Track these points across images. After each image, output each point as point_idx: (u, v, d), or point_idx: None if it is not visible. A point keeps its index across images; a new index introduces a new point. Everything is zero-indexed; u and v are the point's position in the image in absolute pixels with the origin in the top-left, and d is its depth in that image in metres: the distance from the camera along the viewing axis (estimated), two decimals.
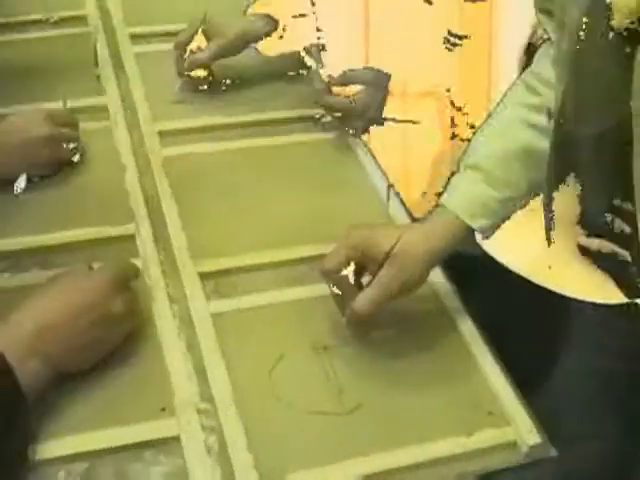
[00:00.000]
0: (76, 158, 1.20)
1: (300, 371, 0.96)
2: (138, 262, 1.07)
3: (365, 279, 0.97)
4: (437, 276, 1.06)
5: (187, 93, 1.37)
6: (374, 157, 1.30)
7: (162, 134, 1.29)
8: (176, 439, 0.88)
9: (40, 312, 0.87)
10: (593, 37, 0.71)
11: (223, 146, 1.28)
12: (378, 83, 1.26)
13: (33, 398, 0.84)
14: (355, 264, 0.97)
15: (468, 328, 1.02)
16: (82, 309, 0.88)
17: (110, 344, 0.92)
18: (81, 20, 1.53)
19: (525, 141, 0.98)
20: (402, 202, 1.19)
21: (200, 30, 1.34)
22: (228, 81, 1.40)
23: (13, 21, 1.50)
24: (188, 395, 0.92)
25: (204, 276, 1.06)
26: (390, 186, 1.15)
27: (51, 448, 0.86)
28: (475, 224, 0.99)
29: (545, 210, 0.94)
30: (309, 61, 1.44)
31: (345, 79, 1.28)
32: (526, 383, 1.05)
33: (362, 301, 0.94)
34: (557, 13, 0.83)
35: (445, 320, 1.03)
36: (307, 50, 1.45)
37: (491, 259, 1.17)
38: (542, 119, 0.95)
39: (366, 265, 0.97)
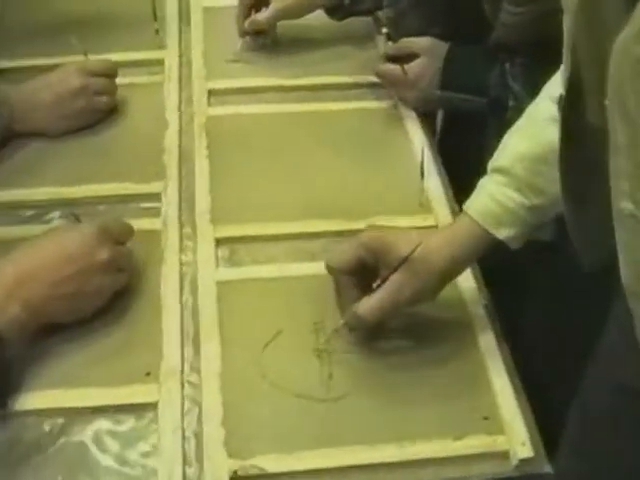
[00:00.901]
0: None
1: (294, 350, 0.93)
2: (158, 221, 1.06)
3: (375, 285, 0.90)
4: (467, 280, 0.99)
5: (248, 53, 1.34)
6: (430, 133, 1.24)
7: (212, 92, 1.27)
8: (154, 405, 0.87)
9: (23, 260, 0.88)
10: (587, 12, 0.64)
11: (271, 109, 1.25)
12: (434, 53, 1.20)
13: (13, 344, 0.85)
14: (366, 267, 0.91)
15: (488, 338, 0.96)
16: (64, 259, 0.88)
17: (94, 297, 0.92)
18: None
19: (554, 142, 0.88)
20: (445, 184, 1.13)
21: None
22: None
23: None
24: (175, 364, 0.91)
25: (220, 242, 1.04)
26: (423, 161, 1.08)
27: (35, 400, 0.87)
28: (500, 234, 0.90)
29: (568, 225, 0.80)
30: (379, 27, 1.39)
31: (401, 47, 1.22)
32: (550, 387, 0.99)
33: (366, 305, 0.88)
34: None
35: (464, 327, 0.97)
36: (376, 17, 1.40)
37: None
38: None
39: (378, 269, 0.91)
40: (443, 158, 1.21)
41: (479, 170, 0.96)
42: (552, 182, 0.86)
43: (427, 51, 1.20)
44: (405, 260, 0.88)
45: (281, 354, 0.92)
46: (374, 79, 1.27)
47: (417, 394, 0.90)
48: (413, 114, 1.24)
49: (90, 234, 0.91)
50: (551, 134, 0.87)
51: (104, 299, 0.93)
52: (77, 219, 0.95)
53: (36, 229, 1.04)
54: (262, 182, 1.13)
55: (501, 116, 1.14)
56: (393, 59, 1.23)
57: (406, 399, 0.89)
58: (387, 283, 0.88)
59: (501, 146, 0.94)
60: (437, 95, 1.20)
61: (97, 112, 1.20)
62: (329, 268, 0.93)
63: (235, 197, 1.10)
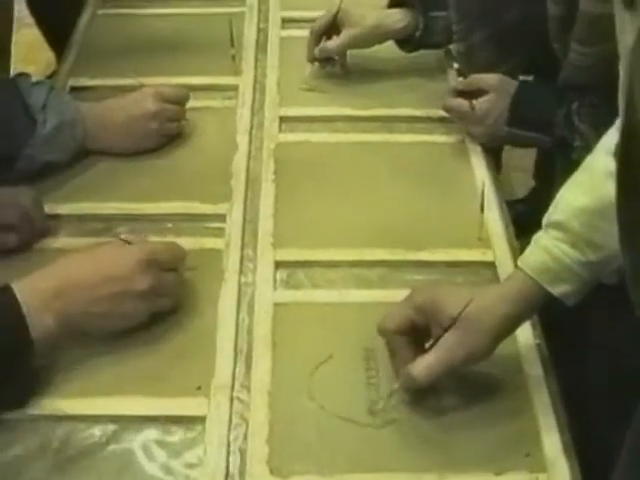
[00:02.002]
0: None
1: (343, 375, 0.94)
2: (221, 241, 1.09)
3: (428, 345, 0.90)
4: (525, 335, 0.98)
5: (318, 80, 1.37)
6: (494, 168, 1.25)
7: (283, 119, 1.30)
8: (203, 419, 0.89)
9: (65, 273, 0.91)
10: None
11: (340, 138, 1.27)
12: (503, 90, 1.20)
13: (42, 352, 0.88)
14: (418, 328, 0.90)
15: (534, 364, 0.95)
16: (105, 279, 0.91)
17: (130, 319, 0.94)
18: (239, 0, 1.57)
19: (612, 196, 0.87)
20: (505, 219, 1.14)
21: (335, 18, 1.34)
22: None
23: None
24: (226, 380, 0.93)
25: (279, 264, 1.06)
26: (483, 195, 1.08)
27: (88, 405, 0.90)
28: (555, 290, 0.88)
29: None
30: (450, 61, 1.40)
31: (470, 83, 1.24)
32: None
33: (420, 366, 0.87)
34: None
35: (511, 353, 0.96)
36: (447, 50, 1.42)
37: None
38: None
39: (430, 330, 0.90)
40: None
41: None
42: (609, 237, 0.85)
43: (496, 88, 1.21)
44: (455, 319, 0.87)
45: (330, 377, 0.93)
46: (443, 113, 1.28)
47: (459, 425, 0.89)
48: (479, 149, 1.25)
49: (135, 260, 0.93)
50: (608, 188, 0.86)
51: (137, 323, 0.95)
52: (127, 242, 0.97)
53: (102, 242, 1.08)
54: (326, 209, 1.15)
55: (567, 156, 1.14)
56: (462, 94, 1.24)
57: (450, 428, 0.89)
58: (440, 343, 0.87)
59: (556, 200, 0.92)
60: (504, 132, 1.21)
61: (166, 137, 1.24)
62: (381, 331, 0.92)
63: (298, 222, 1.12)
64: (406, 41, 1.37)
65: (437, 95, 1.32)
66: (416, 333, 0.91)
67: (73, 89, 1.35)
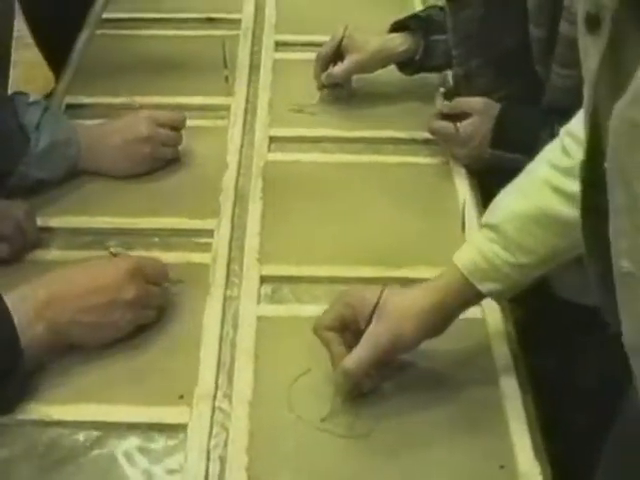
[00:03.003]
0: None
1: (321, 387, 0.96)
2: (208, 256, 1.12)
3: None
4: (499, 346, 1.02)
5: (314, 105, 1.41)
6: (475, 188, 1.28)
7: (273, 139, 1.33)
8: (185, 427, 0.92)
9: (55, 284, 0.94)
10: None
11: (328, 158, 1.31)
12: (487, 113, 1.24)
13: (33, 359, 0.91)
14: (350, 325, 0.94)
15: (509, 378, 0.98)
16: (93, 289, 0.95)
17: (114, 329, 0.97)
18: (235, 23, 1.60)
19: (546, 205, 0.90)
20: None
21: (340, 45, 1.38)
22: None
23: (169, 17, 1.61)
24: (209, 390, 0.95)
25: (264, 279, 1.09)
26: (464, 214, 1.11)
27: (73, 411, 0.93)
28: (484, 288, 0.92)
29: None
30: (438, 85, 1.44)
31: (455, 106, 1.27)
32: None
33: (349, 359, 0.91)
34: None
35: (487, 365, 1.00)
36: (442, 75, 1.45)
37: None
38: (571, 184, 0.86)
39: (361, 325, 0.94)
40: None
41: None
42: (541, 243, 0.91)
43: (479, 111, 1.24)
44: (374, 310, 0.91)
45: (309, 390, 0.96)
46: (428, 135, 1.31)
47: (435, 437, 0.92)
48: (463, 170, 1.28)
49: (122, 270, 0.96)
50: (543, 198, 0.91)
51: (124, 332, 0.98)
52: (113, 254, 1.01)
53: (93, 255, 1.11)
54: (312, 226, 1.18)
55: None
56: (447, 117, 1.28)
57: (426, 440, 0.91)
58: (365, 333, 0.91)
59: (494, 202, 0.96)
60: (488, 154, 1.24)
61: (160, 161, 1.26)
62: (315, 329, 0.96)
63: (284, 239, 1.15)
64: (407, 64, 1.41)
65: (425, 118, 1.35)
66: (349, 330, 0.94)
67: (69, 107, 1.39)
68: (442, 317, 0.94)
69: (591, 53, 0.64)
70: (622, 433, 0.96)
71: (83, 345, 0.97)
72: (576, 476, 1.04)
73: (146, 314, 1.00)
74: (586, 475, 1.05)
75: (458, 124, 1.24)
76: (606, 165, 0.61)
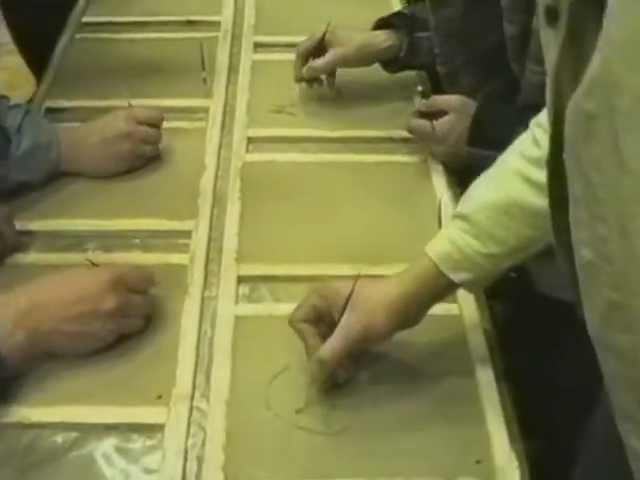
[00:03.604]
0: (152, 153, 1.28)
1: (299, 385, 0.96)
2: (186, 257, 1.12)
3: None
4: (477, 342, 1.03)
5: (296, 103, 1.41)
6: (455, 186, 1.28)
7: (251, 140, 1.34)
8: (162, 427, 0.92)
9: (37, 293, 0.94)
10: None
11: (306, 158, 1.31)
12: (463, 111, 1.24)
13: (13, 367, 0.92)
14: (324, 316, 0.95)
15: (485, 372, 0.99)
16: (73, 299, 0.95)
17: (94, 338, 0.97)
18: (214, 25, 1.61)
19: (517, 195, 0.91)
20: None
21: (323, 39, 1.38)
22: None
23: (148, 20, 1.61)
24: (186, 390, 0.96)
25: (242, 279, 1.10)
26: (440, 210, 1.12)
27: (52, 413, 0.93)
28: (456, 277, 0.93)
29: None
30: (416, 83, 1.45)
31: (432, 104, 1.28)
32: None
33: (323, 350, 0.92)
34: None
35: (464, 359, 1.01)
36: (420, 74, 1.46)
37: None
38: (541, 174, 0.88)
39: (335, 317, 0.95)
40: None
41: None
42: (511, 233, 0.92)
43: (456, 108, 1.25)
44: (347, 301, 0.92)
45: (286, 387, 0.96)
46: (406, 134, 1.32)
47: (412, 431, 0.93)
48: (440, 168, 1.29)
49: (104, 280, 0.96)
50: (514, 187, 0.92)
51: (106, 342, 0.98)
52: (93, 264, 1.01)
53: (72, 257, 1.12)
54: (290, 226, 1.19)
55: None
56: (425, 115, 1.28)
57: (402, 436, 0.92)
58: (338, 325, 0.92)
59: (467, 193, 0.97)
60: (465, 151, 1.25)
61: (140, 158, 1.27)
62: (290, 322, 0.97)
63: (262, 239, 1.16)
64: (391, 62, 1.42)
65: (403, 117, 1.36)
66: (324, 322, 0.95)
67: (49, 110, 1.39)
68: (414, 307, 0.94)
69: (551, 45, 0.65)
70: (598, 429, 0.97)
71: (64, 354, 0.97)
72: (556, 472, 1.05)
73: (129, 323, 1.00)
74: (566, 471, 1.06)
75: (435, 122, 1.25)
76: (564, 156, 0.62)
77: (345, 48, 1.39)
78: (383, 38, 1.40)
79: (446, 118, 1.25)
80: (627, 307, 0.61)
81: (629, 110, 0.55)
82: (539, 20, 0.68)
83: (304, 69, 1.40)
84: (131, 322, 1.00)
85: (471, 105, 1.25)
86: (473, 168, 1.32)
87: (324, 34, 1.38)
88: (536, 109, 1.19)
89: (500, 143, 1.22)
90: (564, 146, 0.61)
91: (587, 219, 0.61)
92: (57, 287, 0.96)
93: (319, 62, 1.39)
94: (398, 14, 1.42)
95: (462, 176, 1.37)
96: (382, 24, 1.41)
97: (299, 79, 1.42)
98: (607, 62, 0.55)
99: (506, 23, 1.19)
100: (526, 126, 1.20)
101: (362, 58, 1.41)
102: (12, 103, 1.23)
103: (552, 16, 0.63)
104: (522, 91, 1.21)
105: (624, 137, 0.56)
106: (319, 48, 1.40)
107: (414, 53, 1.39)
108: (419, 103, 1.35)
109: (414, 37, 1.38)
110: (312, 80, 1.42)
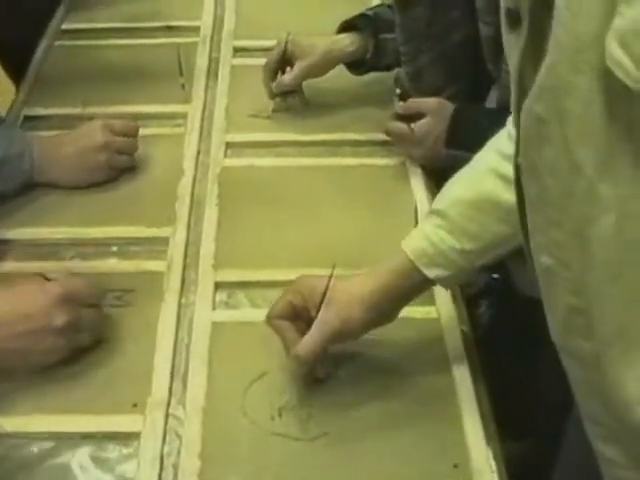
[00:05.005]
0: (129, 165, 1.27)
1: (275, 392, 0.96)
2: (163, 264, 1.12)
3: None
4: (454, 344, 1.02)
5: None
6: (431, 188, 1.28)
7: (229, 145, 1.33)
8: (138, 435, 0.92)
9: None
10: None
11: (284, 162, 1.31)
12: (441, 113, 1.24)
13: None
14: (301, 312, 0.95)
15: (461, 373, 0.99)
16: (20, 316, 0.93)
17: (49, 355, 0.96)
18: (194, 30, 1.61)
19: (491, 191, 0.91)
20: None
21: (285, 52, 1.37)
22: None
23: (128, 27, 1.61)
24: (162, 397, 0.95)
25: (219, 285, 1.10)
26: (416, 213, 1.12)
27: (26, 422, 0.93)
28: (431, 273, 0.93)
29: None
30: (395, 85, 1.44)
31: (410, 107, 1.28)
32: None
33: (301, 345, 0.92)
34: None
35: (441, 361, 1.01)
36: (397, 77, 1.46)
37: None
38: None
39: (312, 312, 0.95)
40: None
41: None
42: (484, 229, 0.92)
43: (434, 111, 1.25)
44: (323, 296, 0.92)
45: (263, 394, 0.96)
46: (384, 137, 1.32)
47: (389, 435, 0.92)
48: (419, 171, 1.29)
49: (53, 295, 0.94)
50: (487, 183, 0.92)
51: (57, 358, 0.97)
52: (45, 278, 0.99)
53: (50, 265, 1.11)
54: (268, 231, 1.18)
55: None
56: (403, 118, 1.28)
57: (379, 441, 0.92)
58: (315, 322, 0.92)
59: (443, 190, 0.97)
60: (443, 153, 1.25)
61: (116, 169, 1.26)
62: (267, 319, 0.97)
63: (240, 244, 1.16)
64: (357, 64, 1.41)
65: (381, 121, 1.36)
66: (301, 318, 0.95)
67: (27, 118, 1.39)
68: (389, 301, 0.94)
69: (514, 49, 0.65)
70: (576, 432, 0.97)
71: (13, 371, 0.96)
72: (536, 474, 1.05)
73: (81, 338, 0.98)
74: (546, 473, 1.06)
75: (412, 125, 1.25)
76: (519, 160, 0.62)
77: (310, 58, 1.37)
78: (348, 42, 1.39)
79: (424, 120, 1.25)
80: (587, 312, 0.61)
81: (578, 113, 0.55)
82: (502, 25, 0.68)
83: (273, 85, 1.39)
84: (83, 337, 0.98)
85: (448, 107, 1.25)
86: (451, 170, 1.33)
87: (285, 46, 1.37)
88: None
89: (478, 144, 1.23)
90: (519, 150, 0.61)
91: (543, 224, 0.61)
92: (3, 304, 0.94)
93: (287, 78, 1.38)
94: (362, 16, 1.41)
95: (440, 178, 1.38)
96: (347, 26, 1.40)
97: (272, 96, 1.41)
98: (554, 65, 0.56)
99: (481, 24, 1.19)
100: (503, 127, 1.20)
101: (328, 64, 1.40)
102: None
103: (513, 19, 0.63)
104: (498, 92, 1.21)
105: (575, 140, 0.56)
106: (284, 60, 1.38)
107: (380, 55, 1.39)
108: (397, 106, 1.35)
109: (379, 39, 1.38)
110: (284, 94, 1.41)
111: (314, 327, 0.92)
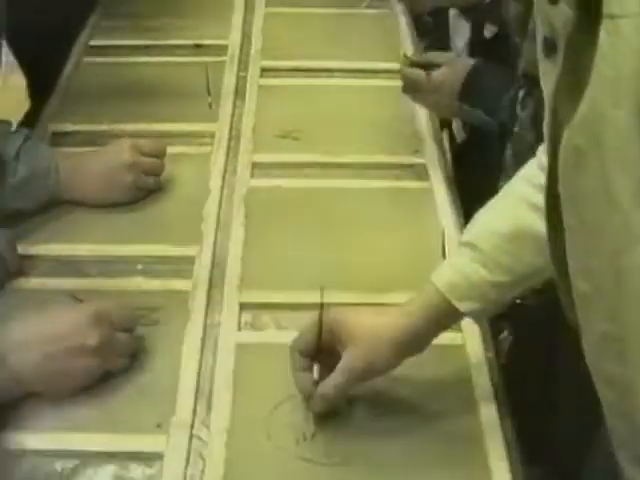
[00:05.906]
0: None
1: (300, 415, 0.96)
2: (189, 284, 1.12)
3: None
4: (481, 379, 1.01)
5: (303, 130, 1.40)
6: (459, 212, 1.27)
7: (256, 165, 1.33)
8: (161, 456, 0.91)
9: (17, 330, 0.93)
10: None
11: (311, 183, 1.31)
12: (459, 66, 1.29)
13: None
14: (327, 349, 0.93)
15: (490, 413, 0.97)
16: (54, 337, 0.93)
17: (81, 377, 0.95)
18: (222, 49, 1.61)
19: (524, 223, 0.89)
20: None
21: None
22: None
23: (156, 44, 1.62)
24: (186, 418, 0.95)
25: (244, 306, 1.09)
26: (444, 239, 1.12)
27: (50, 441, 0.93)
28: (462, 306, 0.91)
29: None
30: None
31: (429, 58, 1.32)
32: None
33: (326, 385, 0.91)
34: None
35: (467, 396, 0.99)
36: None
37: None
38: None
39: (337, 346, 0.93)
40: (462, 170, 1.35)
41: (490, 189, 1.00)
42: (518, 261, 0.90)
43: (452, 63, 1.30)
44: (320, 322, 0.91)
45: (288, 417, 0.96)
46: (412, 160, 1.32)
47: (414, 462, 0.91)
48: (445, 195, 1.28)
49: (86, 316, 0.94)
50: (521, 215, 0.91)
51: (90, 380, 0.96)
52: (77, 299, 0.99)
53: (75, 282, 1.11)
54: (293, 252, 1.18)
55: (506, 139, 1.20)
56: (418, 66, 1.32)
57: (403, 469, 0.91)
58: (341, 361, 0.91)
59: (473, 221, 0.96)
60: (455, 106, 1.29)
61: (142, 190, 1.25)
62: (291, 349, 0.95)
63: (265, 265, 1.15)
64: None
65: (407, 143, 1.36)
66: (324, 351, 0.93)
67: (55, 134, 1.39)
68: (418, 340, 0.93)
69: (548, 77, 0.65)
70: (600, 456, 0.96)
71: (48, 395, 0.95)
72: None
73: (113, 362, 0.97)
74: None
75: (428, 73, 1.29)
76: (559, 189, 0.62)
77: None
78: None
79: (441, 70, 1.29)
80: (620, 339, 0.62)
81: (616, 146, 0.55)
82: (537, 51, 0.68)
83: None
84: (115, 360, 0.98)
85: (467, 62, 1.29)
86: (477, 190, 1.33)
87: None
88: (532, 80, 1.20)
89: (485, 103, 1.26)
90: (559, 178, 0.61)
91: (581, 251, 0.61)
92: (37, 325, 0.94)
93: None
94: None
95: (466, 201, 1.38)
96: None
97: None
98: (594, 99, 0.56)
99: (512, 2, 1.24)
100: (515, 94, 1.20)
101: None
102: (14, 129, 1.22)
103: (550, 48, 0.63)
104: (522, 62, 1.22)
105: (613, 173, 0.56)
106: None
107: None
108: (417, 55, 1.38)
109: None
110: None
111: (339, 367, 0.90)
